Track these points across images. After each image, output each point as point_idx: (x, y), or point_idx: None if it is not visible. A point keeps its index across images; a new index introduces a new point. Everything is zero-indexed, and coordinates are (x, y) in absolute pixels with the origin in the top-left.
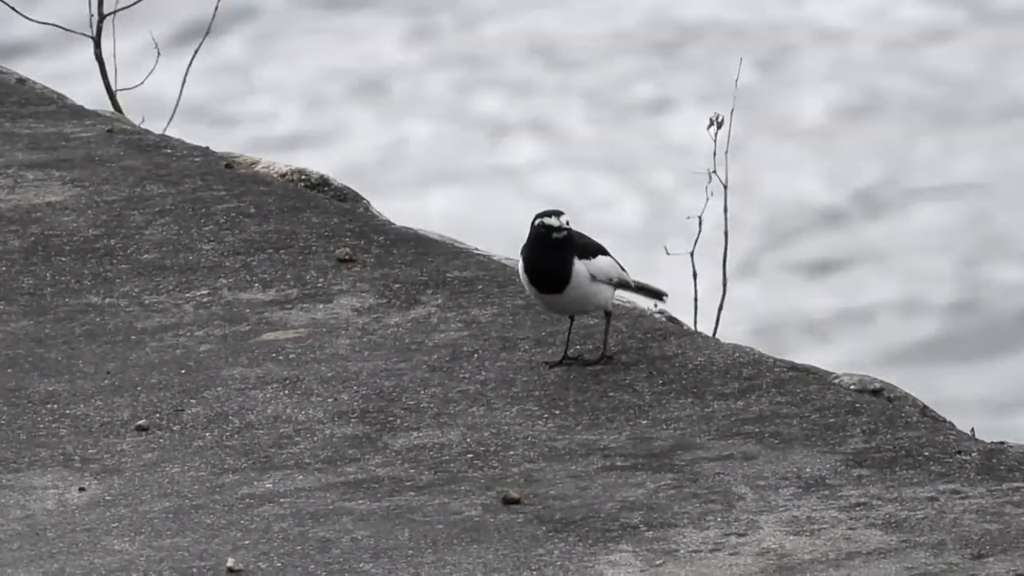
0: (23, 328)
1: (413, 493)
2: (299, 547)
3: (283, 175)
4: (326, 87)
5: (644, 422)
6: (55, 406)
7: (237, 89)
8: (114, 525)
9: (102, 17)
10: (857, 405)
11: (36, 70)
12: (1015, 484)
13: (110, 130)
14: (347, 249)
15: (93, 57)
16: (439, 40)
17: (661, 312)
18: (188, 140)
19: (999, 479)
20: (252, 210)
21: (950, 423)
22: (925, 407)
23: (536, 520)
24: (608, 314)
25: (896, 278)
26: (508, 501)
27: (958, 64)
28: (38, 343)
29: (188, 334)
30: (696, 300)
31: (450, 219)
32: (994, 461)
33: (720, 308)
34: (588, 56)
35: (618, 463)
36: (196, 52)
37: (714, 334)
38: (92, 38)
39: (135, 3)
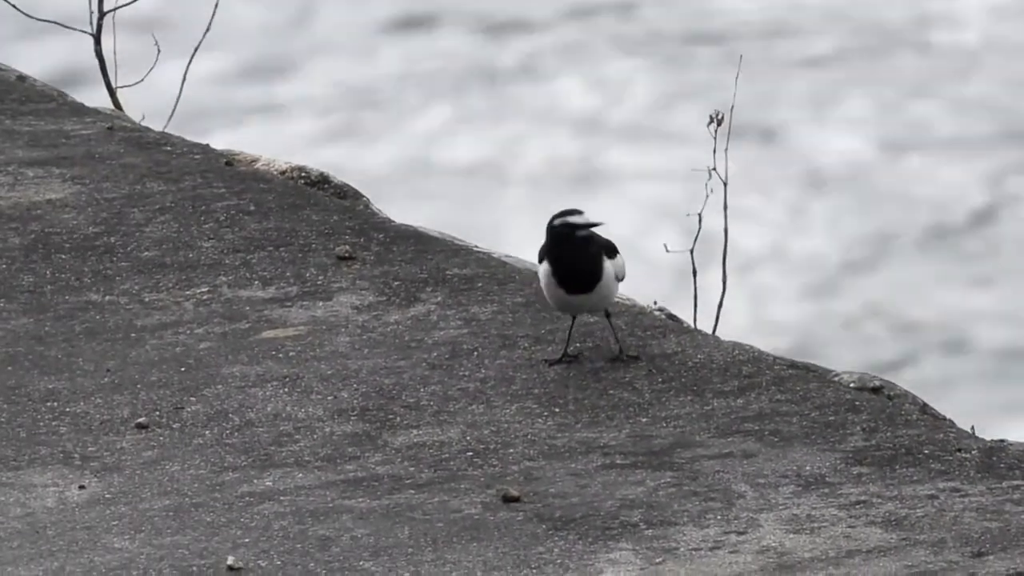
0: (23, 326)
1: (413, 491)
2: (299, 545)
3: (283, 172)
4: None
5: (644, 420)
6: (55, 404)
7: None
8: (114, 523)
9: (102, 14)
10: (857, 403)
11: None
12: (1015, 482)
13: (110, 127)
14: (347, 247)
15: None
16: None
17: (661, 309)
18: (187, 138)
19: (999, 477)
20: (252, 207)
21: (950, 421)
22: (925, 405)
23: (536, 518)
24: (609, 314)
25: None
26: (508, 499)
27: None
28: (38, 341)
29: (188, 332)
30: (696, 297)
31: None
32: (994, 459)
33: (720, 305)
34: None
35: (618, 461)
36: (196, 50)
37: (714, 331)
38: (92, 35)
39: (132, 1)
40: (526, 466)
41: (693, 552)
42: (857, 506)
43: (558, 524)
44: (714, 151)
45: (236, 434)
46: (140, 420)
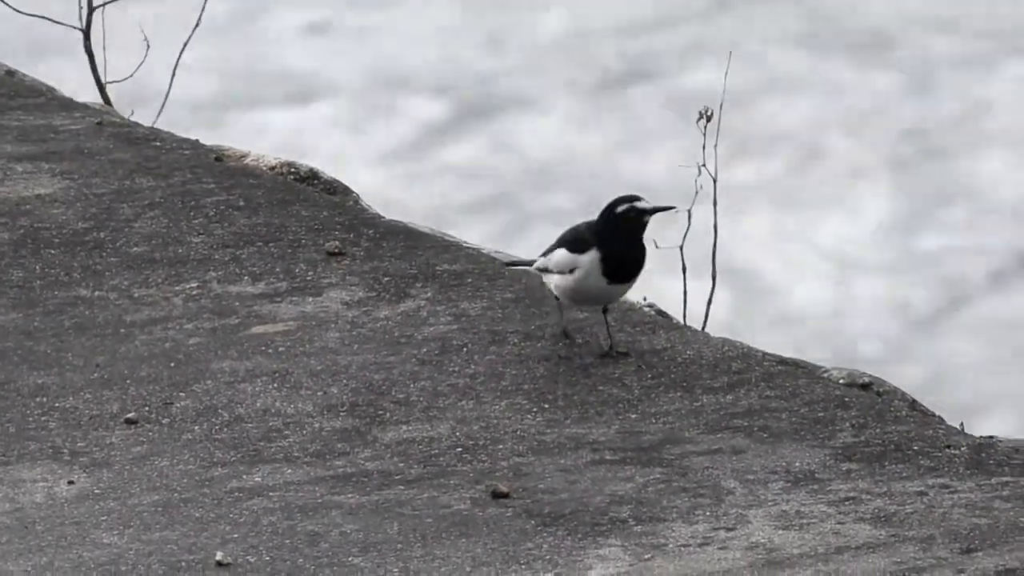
0: (12, 321)
1: (402, 487)
2: (288, 540)
3: (272, 168)
4: None
5: (633, 416)
6: (44, 399)
7: None
8: (103, 518)
9: (91, 10)
10: (846, 399)
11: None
12: (1004, 479)
13: (100, 123)
14: (336, 242)
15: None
16: None
17: (650, 306)
18: (177, 133)
19: (988, 473)
20: (242, 203)
21: (939, 417)
22: (914, 401)
23: (525, 514)
24: (607, 309)
25: None
26: (497, 495)
27: None
28: (27, 336)
29: (177, 327)
30: (685, 294)
31: None
32: (983, 455)
33: (709, 302)
34: None
35: (607, 457)
36: (185, 45)
37: (703, 328)
38: (82, 31)
39: None
40: (515, 462)
41: (682, 548)
42: (846, 502)
43: (547, 520)
44: (703, 147)
45: (225, 430)
46: (129, 415)
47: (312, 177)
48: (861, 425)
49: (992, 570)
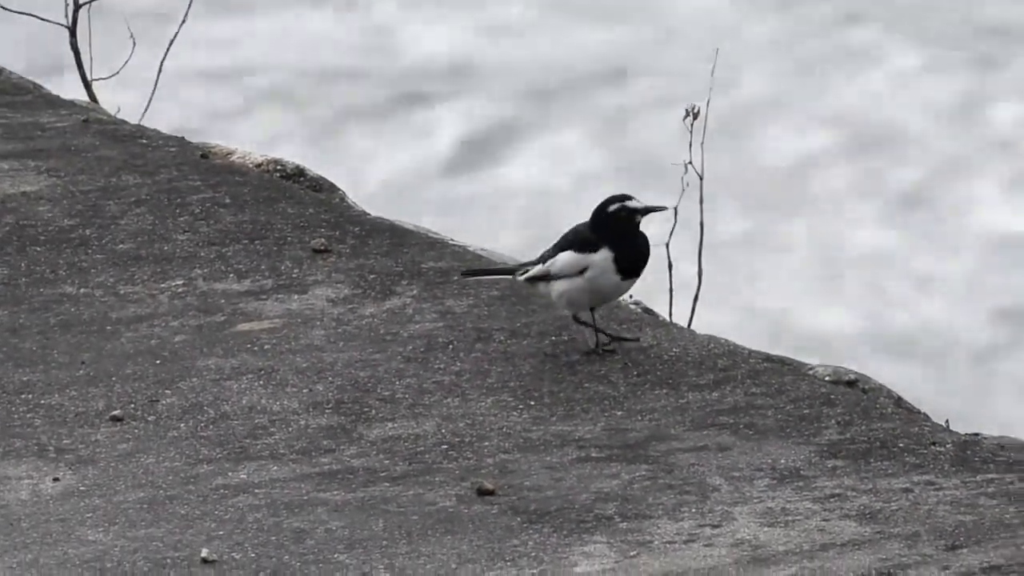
0: None
1: (388, 484)
2: (273, 537)
3: (258, 165)
4: None
5: (619, 413)
6: (29, 396)
7: None
8: (88, 515)
9: (77, 7)
10: (832, 396)
11: None
12: (989, 476)
13: (86, 120)
14: (322, 240)
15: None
16: None
17: (636, 303)
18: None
19: (973, 471)
20: (227, 200)
21: (924, 414)
22: (900, 398)
23: (511, 511)
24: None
25: None
26: (483, 492)
27: None
28: (12, 333)
29: (163, 324)
30: (671, 291)
31: None
32: (968, 453)
33: (695, 299)
34: None
35: (593, 454)
36: (172, 42)
37: (689, 325)
38: (68, 28)
39: None
40: (501, 459)
41: (667, 545)
42: (832, 499)
43: (533, 517)
44: (690, 145)
45: (211, 427)
46: (115, 412)
47: (298, 174)
48: (847, 422)
49: (977, 567)
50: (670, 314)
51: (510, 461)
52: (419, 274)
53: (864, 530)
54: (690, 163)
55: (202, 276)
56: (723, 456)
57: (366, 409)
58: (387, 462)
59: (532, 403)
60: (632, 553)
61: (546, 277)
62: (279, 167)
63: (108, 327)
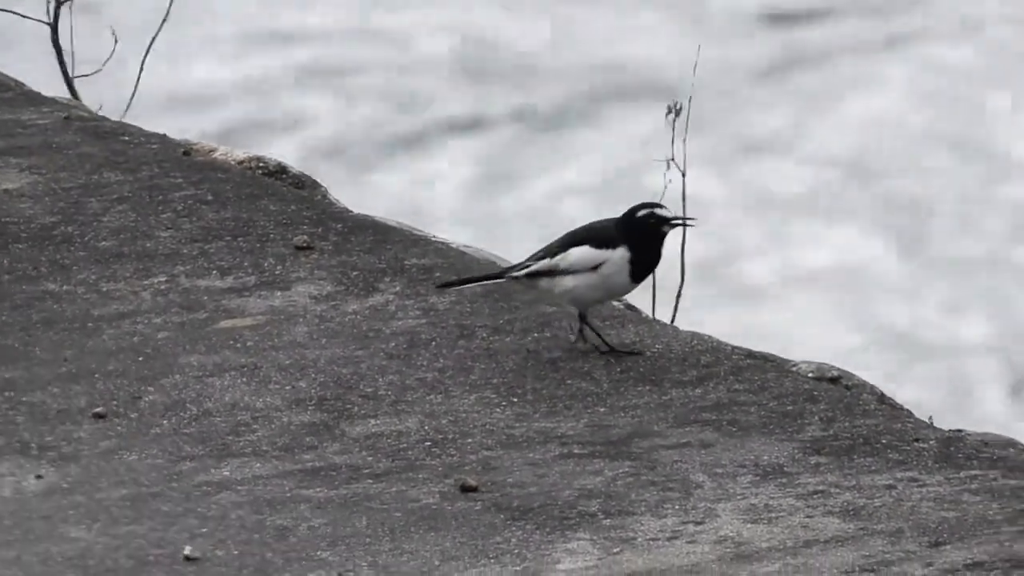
0: None
1: (370, 481)
2: (256, 535)
3: (241, 162)
4: None
5: (602, 409)
6: (12, 393)
7: None
8: (71, 513)
9: (59, 4)
10: (815, 393)
11: None
12: (972, 472)
13: (67, 117)
14: (305, 236)
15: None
16: None
17: (619, 300)
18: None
19: (956, 467)
20: (210, 197)
21: (908, 411)
22: (883, 395)
23: (494, 508)
24: None
25: None
26: (466, 489)
27: None
28: None
29: (146, 321)
30: (654, 288)
31: None
32: (951, 449)
33: (679, 295)
34: None
35: (576, 451)
36: (154, 40)
37: (672, 321)
38: (49, 25)
39: None
40: (484, 456)
41: (651, 542)
42: (815, 496)
43: (516, 514)
44: (672, 141)
45: (194, 424)
46: (97, 410)
47: (280, 171)
48: (830, 419)
49: (960, 563)
50: (653, 310)
51: (493, 458)
52: (402, 271)
53: (847, 527)
54: (672, 160)
55: (184, 273)
56: (706, 453)
57: (349, 406)
58: (370, 459)
59: (515, 400)
60: (615, 550)
61: (551, 272)
62: (261, 164)
63: (90, 324)
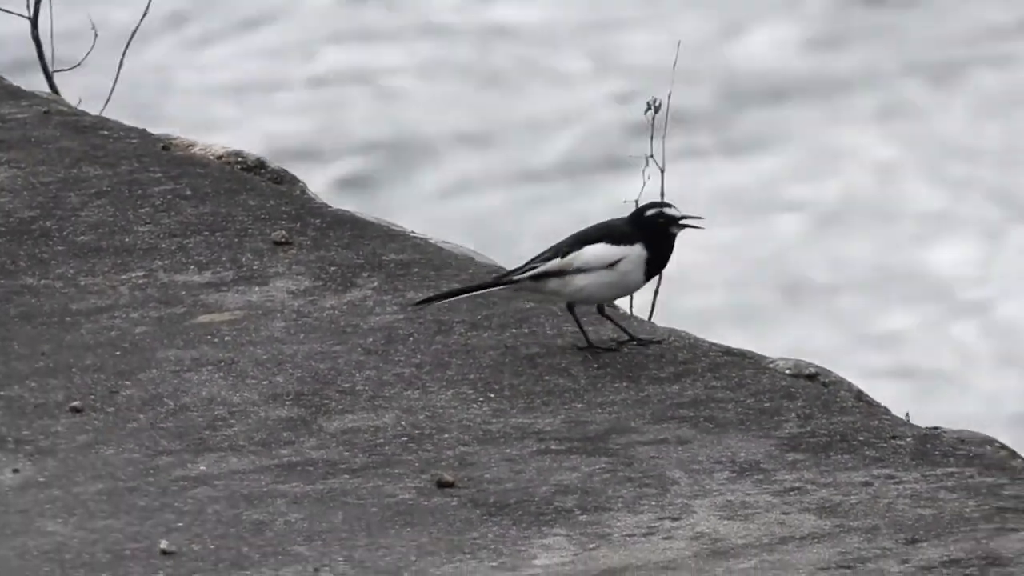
0: None
1: (347, 476)
2: (233, 529)
3: (219, 157)
4: None
5: (579, 406)
6: None
7: None
8: (47, 507)
9: None
10: (792, 390)
11: None
12: (949, 469)
13: (47, 111)
14: (283, 231)
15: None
16: None
17: None
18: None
19: (933, 464)
20: (188, 192)
21: (885, 408)
22: (860, 392)
23: (470, 503)
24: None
25: None
26: (442, 484)
27: None
28: None
29: (123, 316)
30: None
31: None
32: (928, 446)
33: (656, 292)
34: None
35: (553, 447)
36: (134, 34)
37: (650, 318)
38: (29, 19)
39: None
40: (461, 451)
41: (627, 538)
42: (791, 492)
43: (492, 509)
44: (651, 138)
45: (171, 418)
46: (75, 404)
47: (259, 166)
48: (807, 415)
49: (937, 560)
50: (630, 307)
51: (470, 453)
52: (380, 266)
53: (824, 523)
54: (651, 156)
55: (163, 268)
56: (683, 449)
57: (326, 401)
58: (347, 454)
59: (492, 395)
60: (591, 546)
61: (562, 272)
62: (240, 159)
63: (68, 318)
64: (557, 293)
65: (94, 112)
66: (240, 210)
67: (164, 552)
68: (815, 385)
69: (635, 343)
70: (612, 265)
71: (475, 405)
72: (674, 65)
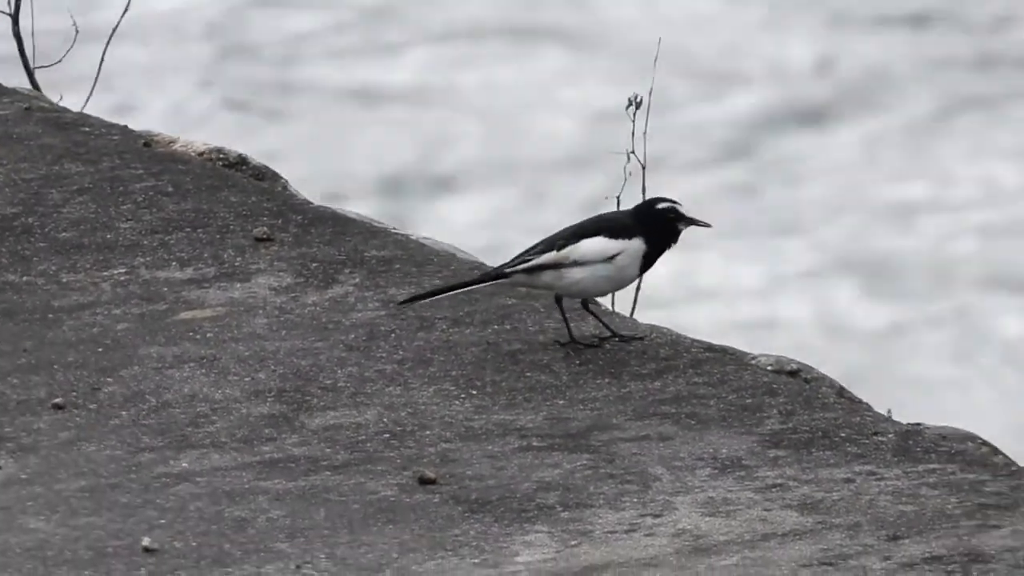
0: None
1: (329, 473)
2: (215, 526)
3: (201, 154)
4: None
5: (561, 402)
6: None
7: None
8: (29, 503)
9: None
10: (774, 386)
11: None
12: (930, 466)
13: (28, 108)
14: (265, 228)
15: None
16: None
17: None
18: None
19: (915, 461)
20: (170, 189)
21: (867, 404)
22: (842, 388)
23: (452, 500)
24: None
25: None
26: (424, 481)
27: None
28: None
29: (105, 312)
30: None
31: None
32: (910, 443)
33: (638, 288)
34: None
35: (535, 443)
36: (115, 29)
37: (632, 314)
38: (10, 16)
39: None
40: (443, 448)
41: (609, 535)
42: (773, 489)
43: (474, 506)
44: (632, 134)
45: (153, 415)
46: (57, 400)
47: (241, 163)
48: (789, 412)
49: (919, 557)
50: (612, 303)
51: (452, 450)
52: (361, 263)
53: (805, 520)
54: (632, 152)
55: (144, 264)
56: (665, 446)
57: (308, 398)
58: (328, 451)
59: (474, 392)
60: (573, 543)
61: (558, 265)
62: (222, 156)
63: (50, 315)
64: (551, 287)
65: (75, 109)
66: (222, 207)
67: (146, 549)
68: (797, 381)
69: (617, 339)
70: (610, 259)
71: (457, 402)
72: (655, 63)
